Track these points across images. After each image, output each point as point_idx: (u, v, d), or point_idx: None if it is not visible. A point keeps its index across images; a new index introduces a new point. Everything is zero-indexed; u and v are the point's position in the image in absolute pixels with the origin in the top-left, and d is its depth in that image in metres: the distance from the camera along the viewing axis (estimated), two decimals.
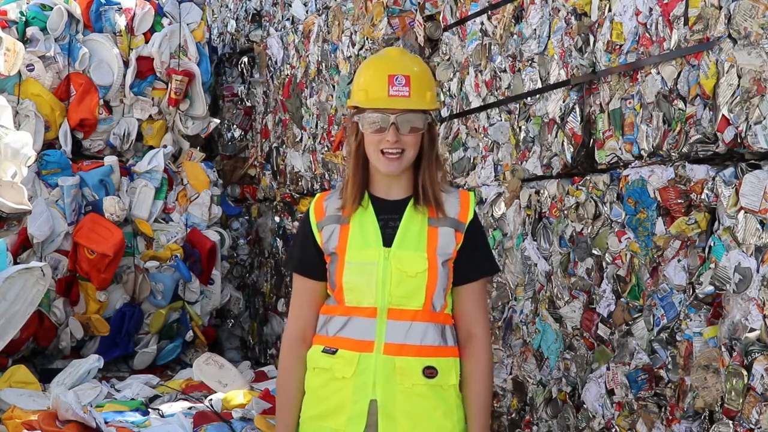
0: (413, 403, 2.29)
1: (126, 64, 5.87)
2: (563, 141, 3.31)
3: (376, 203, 2.37)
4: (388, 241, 2.32)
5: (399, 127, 2.29)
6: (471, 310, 2.39)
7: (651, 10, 2.87)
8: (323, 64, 5.38)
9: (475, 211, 2.40)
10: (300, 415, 2.42)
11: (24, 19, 5.65)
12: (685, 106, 2.72)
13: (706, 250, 2.61)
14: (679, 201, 2.71)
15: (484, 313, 2.42)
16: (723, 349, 2.50)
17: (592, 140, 3.21)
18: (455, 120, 4.06)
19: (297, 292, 2.46)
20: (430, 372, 2.30)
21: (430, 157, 2.36)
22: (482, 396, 2.38)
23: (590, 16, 3.19)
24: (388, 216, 2.35)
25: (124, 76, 5.85)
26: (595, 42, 3.17)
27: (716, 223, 2.58)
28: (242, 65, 6.68)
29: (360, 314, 2.32)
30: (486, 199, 3.74)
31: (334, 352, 2.33)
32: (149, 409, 4.26)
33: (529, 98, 3.53)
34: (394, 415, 2.28)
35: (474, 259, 2.38)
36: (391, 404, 2.28)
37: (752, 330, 2.40)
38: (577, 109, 3.25)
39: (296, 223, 5.75)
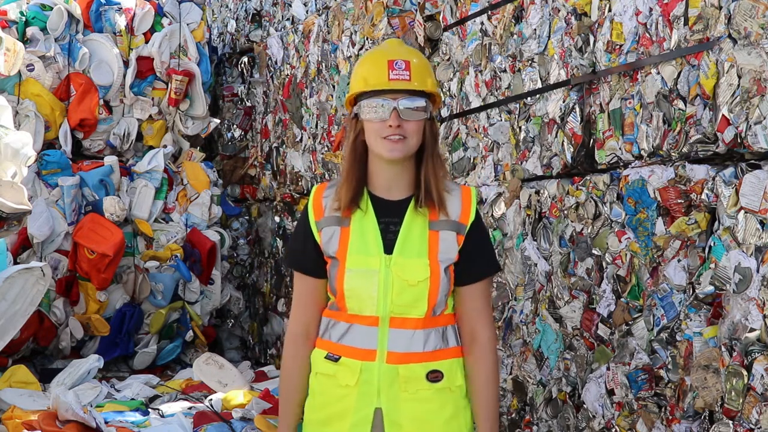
0: (418, 408, 2.26)
1: (126, 64, 5.87)
2: (563, 141, 3.31)
3: (376, 204, 2.30)
4: (388, 248, 2.26)
5: (401, 113, 2.22)
6: (474, 310, 2.33)
7: (651, 10, 2.87)
8: (323, 64, 5.38)
9: (477, 210, 2.33)
10: (303, 417, 2.40)
11: (24, 19, 5.64)
12: (685, 106, 2.72)
13: (706, 250, 2.61)
14: (679, 201, 2.70)
15: (488, 313, 2.36)
16: (723, 349, 2.50)
17: (592, 140, 3.21)
18: (455, 120, 4.06)
19: (298, 290, 2.41)
20: (434, 376, 2.26)
21: (432, 153, 2.29)
22: (490, 398, 2.33)
23: (590, 16, 3.19)
24: (389, 219, 2.29)
25: (124, 76, 5.85)
26: (595, 42, 3.17)
27: (716, 223, 2.57)
28: (242, 65, 6.67)
29: (362, 322, 2.27)
30: (486, 199, 3.73)
31: (337, 360, 2.29)
32: (149, 409, 4.26)
33: (529, 98, 3.53)
34: (400, 422, 2.25)
35: (476, 259, 2.32)
36: (396, 412, 2.25)
37: (752, 330, 2.40)
38: (577, 109, 3.25)
39: (296, 224, 5.74)
